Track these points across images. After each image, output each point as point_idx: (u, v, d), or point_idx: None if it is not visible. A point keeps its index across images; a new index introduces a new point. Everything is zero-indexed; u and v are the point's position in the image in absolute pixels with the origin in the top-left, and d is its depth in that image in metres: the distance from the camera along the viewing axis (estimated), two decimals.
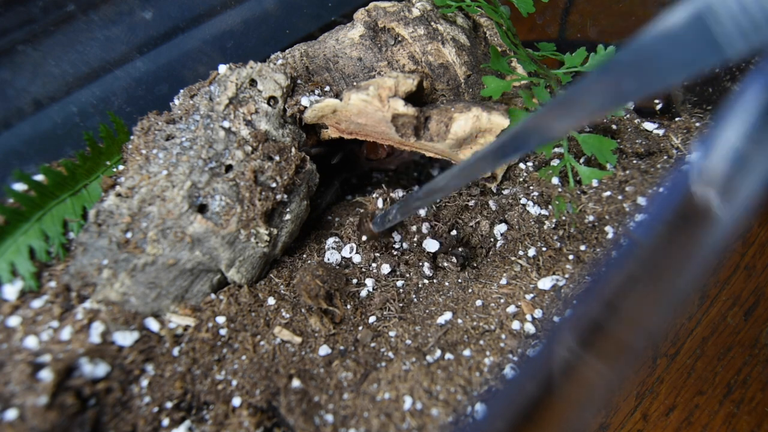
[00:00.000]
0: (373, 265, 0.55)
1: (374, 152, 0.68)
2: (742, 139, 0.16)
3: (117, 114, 0.58)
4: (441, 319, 0.50)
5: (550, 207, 0.58)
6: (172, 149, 0.49)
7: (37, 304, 0.47)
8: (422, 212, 0.58)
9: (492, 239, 0.58)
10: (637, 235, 0.19)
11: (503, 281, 0.53)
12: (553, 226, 0.56)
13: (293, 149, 0.53)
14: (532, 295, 0.51)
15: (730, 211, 0.16)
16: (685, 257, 0.17)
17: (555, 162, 0.61)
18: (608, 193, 0.57)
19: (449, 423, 0.41)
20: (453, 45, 0.59)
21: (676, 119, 0.66)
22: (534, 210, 0.58)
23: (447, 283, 0.55)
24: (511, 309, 0.50)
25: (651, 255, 0.18)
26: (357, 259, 0.55)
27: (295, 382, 0.45)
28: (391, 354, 0.48)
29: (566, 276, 0.52)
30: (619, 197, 0.56)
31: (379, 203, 0.57)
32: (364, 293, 0.53)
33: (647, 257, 0.18)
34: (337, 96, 0.56)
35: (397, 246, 0.57)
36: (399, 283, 0.54)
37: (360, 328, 0.50)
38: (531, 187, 0.60)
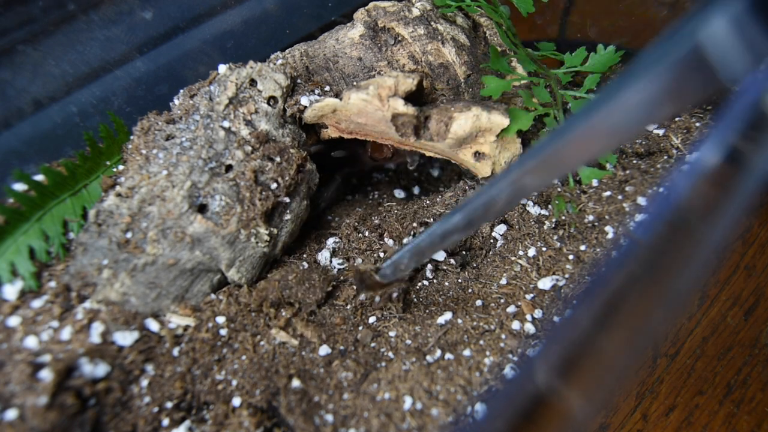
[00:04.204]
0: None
1: (379, 152, 0.67)
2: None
3: (117, 114, 0.58)
4: (441, 319, 0.50)
5: (550, 207, 0.58)
6: (172, 149, 0.49)
7: (37, 304, 0.47)
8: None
9: (492, 239, 0.58)
10: (637, 235, 0.19)
11: (503, 281, 0.53)
12: (553, 226, 0.56)
13: (293, 149, 0.53)
14: (532, 295, 0.51)
15: None
16: (685, 257, 0.17)
17: None
18: (608, 192, 0.57)
19: (449, 423, 0.41)
20: (453, 45, 0.59)
21: (676, 119, 0.66)
22: (534, 210, 0.58)
23: (447, 283, 0.55)
24: (511, 309, 0.50)
25: (651, 255, 0.18)
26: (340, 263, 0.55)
27: (295, 382, 0.45)
28: (391, 354, 0.48)
29: (566, 276, 0.52)
30: (619, 197, 0.56)
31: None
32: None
33: (647, 257, 0.18)
34: (337, 96, 0.56)
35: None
36: None
37: (360, 328, 0.50)
38: None
